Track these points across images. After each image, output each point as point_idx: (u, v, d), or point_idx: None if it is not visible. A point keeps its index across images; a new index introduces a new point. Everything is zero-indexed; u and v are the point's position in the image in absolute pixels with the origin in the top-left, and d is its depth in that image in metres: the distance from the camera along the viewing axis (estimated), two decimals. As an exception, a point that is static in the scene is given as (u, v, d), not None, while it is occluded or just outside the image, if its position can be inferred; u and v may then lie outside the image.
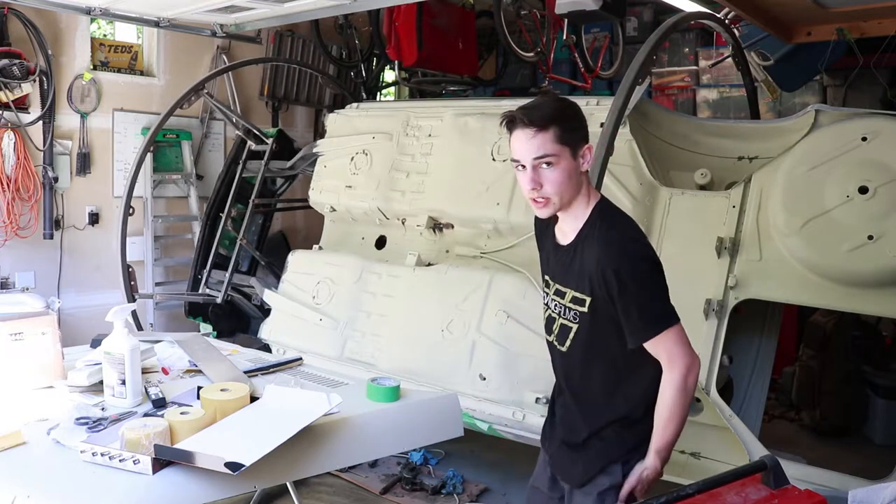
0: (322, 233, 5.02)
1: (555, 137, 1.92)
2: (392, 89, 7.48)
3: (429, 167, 4.33)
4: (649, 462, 2.02)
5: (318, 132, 6.66)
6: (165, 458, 1.94)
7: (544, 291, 2.21)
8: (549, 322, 2.18)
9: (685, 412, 1.99)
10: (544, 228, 2.21)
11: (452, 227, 4.27)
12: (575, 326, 2.07)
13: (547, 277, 2.19)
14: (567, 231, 2.08)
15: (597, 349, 2.06)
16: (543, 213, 2.03)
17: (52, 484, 1.93)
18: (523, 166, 1.97)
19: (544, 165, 1.94)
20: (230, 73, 5.90)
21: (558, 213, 2.05)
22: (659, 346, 1.96)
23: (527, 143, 1.94)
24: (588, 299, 2.01)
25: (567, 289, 2.07)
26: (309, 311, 4.40)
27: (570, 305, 2.06)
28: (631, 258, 1.95)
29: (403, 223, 4.46)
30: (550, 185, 1.95)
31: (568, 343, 2.10)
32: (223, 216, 5.31)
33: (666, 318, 1.95)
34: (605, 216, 2.03)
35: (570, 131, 1.94)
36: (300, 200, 5.60)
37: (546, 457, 2.30)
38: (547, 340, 2.21)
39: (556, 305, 2.12)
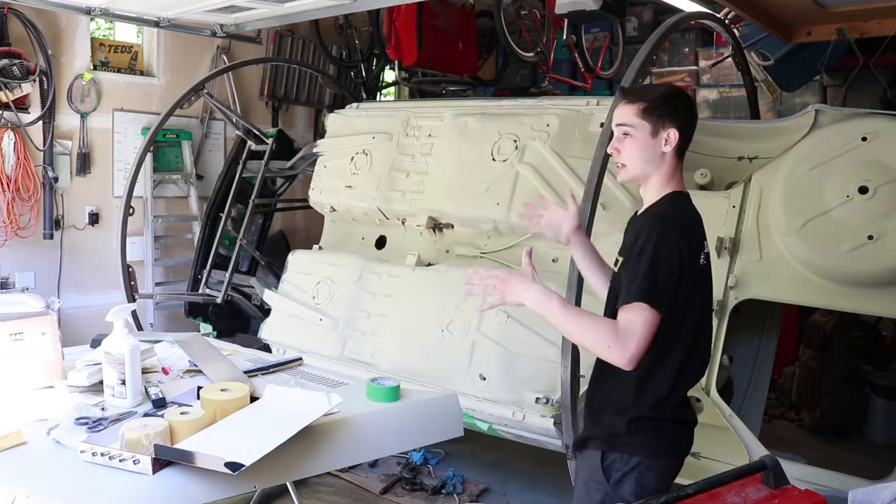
0: (322, 233, 5.01)
1: (637, 112, 2.09)
2: (392, 89, 7.48)
3: (429, 167, 4.33)
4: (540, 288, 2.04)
5: (318, 132, 6.66)
6: (165, 458, 1.94)
7: None
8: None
9: (581, 340, 2.04)
10: None
11: (452, 227, 4.27)
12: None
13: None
14: (643, 207, 2.18)
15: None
16: (620, 178, 2.18)
17: (52, 484, 1.92)
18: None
19: (623, 134, 2.11)
20: (230, 73, 5.90)
21: (640, 189, 2.18)
22: (625, 313, 1.94)
23: (615, 112, 2.17)
24: (620, 259, 2.07)
25: (618, 256, 2.13)
26: (309, 311, 4.39)
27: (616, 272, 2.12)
28: (662, 229, 1.99)
29: (403, 223, 4.45)
30: (626, 153, 2.12)
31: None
32: (223, 216, 5.31)
33: (649, 296, 1.92)
34: (673, 203, 2.09)
35: (653, 111, 2.08)
36: (300, 200, 5.60)
37: None
38: None
39: (614, 277, 2.16)
